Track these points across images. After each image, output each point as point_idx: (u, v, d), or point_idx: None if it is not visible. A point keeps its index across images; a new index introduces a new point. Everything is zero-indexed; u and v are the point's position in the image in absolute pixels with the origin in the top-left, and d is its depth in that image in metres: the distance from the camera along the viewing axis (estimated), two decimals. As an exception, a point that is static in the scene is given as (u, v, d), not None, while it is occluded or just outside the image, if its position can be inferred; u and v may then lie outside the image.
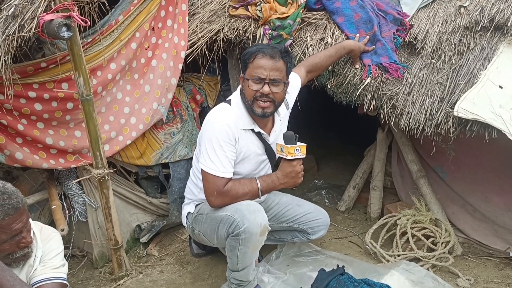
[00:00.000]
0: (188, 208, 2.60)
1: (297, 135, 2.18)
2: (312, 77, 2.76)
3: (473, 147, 2.80)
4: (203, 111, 3.60)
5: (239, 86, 2.36)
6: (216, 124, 2.21)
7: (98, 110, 2.76)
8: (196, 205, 2.54)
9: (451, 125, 2.46)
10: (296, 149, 2.15)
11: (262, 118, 2.24)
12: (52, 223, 2.69)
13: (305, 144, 2.19)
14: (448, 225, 2.88)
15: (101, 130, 2.66)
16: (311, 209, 2.64)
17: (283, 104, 2.39)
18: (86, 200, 2.90)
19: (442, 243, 2.74)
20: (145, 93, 3.03)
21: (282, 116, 2.44)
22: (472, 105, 2.37)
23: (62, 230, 2.55)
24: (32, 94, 2.51)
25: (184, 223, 2.66)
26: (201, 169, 2.26)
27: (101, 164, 2.60)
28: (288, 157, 2.16)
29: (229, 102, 2.35)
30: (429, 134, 2.55)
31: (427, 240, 2.76)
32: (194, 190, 2.58)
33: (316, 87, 2.97)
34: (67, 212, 2.87)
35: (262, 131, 2.30)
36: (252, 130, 2.27)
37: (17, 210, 1.68)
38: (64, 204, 2.87)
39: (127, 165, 3.13)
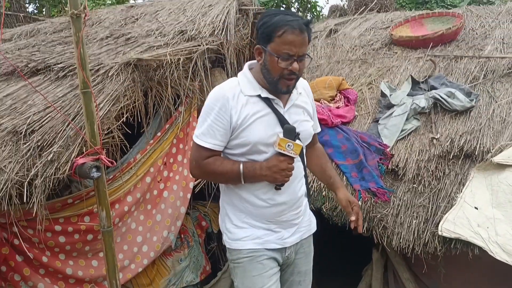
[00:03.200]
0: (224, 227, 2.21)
1: (299, 133, 1.98)
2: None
3: (461, 264, 3.02)
4: (208, 237, 3.84)
5: (251, 63, 2.12)
6: (212, 93, 2.02)
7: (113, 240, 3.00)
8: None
9: (438, 244, 2.72)
10: (288, 145, 1.91)
11: (286, 94, 2.04)
12: None
13: (301, 144, 1.98)
14: None
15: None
16: None
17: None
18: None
19: None
20: (156, 222, 3.30)
21: (300, 91, 2.16)
22: (454, 225, 2.66)
23: None
24: (58, 227, 2.77)
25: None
26: None
27: (116, 292, 2.76)
28: (276, 149, 1.93)
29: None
30: (419, 253, 2.79)
31: None
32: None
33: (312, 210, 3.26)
34: None
35: (271, 96, 2.01)
36: (259, 96, 2.00)
37: None
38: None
39: (137, 292, 3.27)
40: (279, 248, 2.11)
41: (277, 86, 1.98)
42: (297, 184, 2.11)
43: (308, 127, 2.14)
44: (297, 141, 1.95)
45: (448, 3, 10.83)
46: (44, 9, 10.34)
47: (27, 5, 9.66)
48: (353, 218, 2.23)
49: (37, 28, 4.51)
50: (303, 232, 2.21)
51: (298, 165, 2.08)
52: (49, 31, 4.37)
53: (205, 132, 1.97)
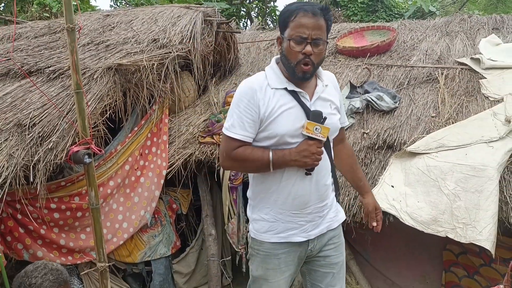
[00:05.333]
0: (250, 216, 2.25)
1: (326, 117, 1.99)
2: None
3: (384, 233, 3.75)
4: (178, 218, 4.44)
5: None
6: (240, 86, 2.06)
7: (99, 217, 3.56)
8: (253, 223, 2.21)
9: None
10: (316, 128, 1.94)
11: (303, 81, 2.03)
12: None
13: (329, 127, 1.97)
14: (374, 295, 3.73)
15: (101, 233, 3.43)
16: None
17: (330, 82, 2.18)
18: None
19: (370, 309, 3.56)
20: (134, 203, 3.88)
21: (327, 83, 2.15)
22: (380, 201, 3.38)
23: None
24: (53, 205, 3.31)
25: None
26: None
27: (103, 259, 3.32)
28: (304, 132, 1.96)
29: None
30: (349, 223, 3.51)
31: (359, 307, 3.58)
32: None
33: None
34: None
35: (297, 89, 2.03)
36: (285, 88, 2.03)
37: (66, 283, 2.37)
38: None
39: (118, 262, 3.83)
40: (303, 241, 2.12)
41: (294, 72, 1.99)
42: (322, 177, 2.10)
43: (334, 120, 2.12)
44: (325, 125, 1.97)
45: (395, 12, 11.80)
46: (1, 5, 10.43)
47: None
48: (374, 224, 2.38)
49: (18, 32, 4.95)
50: (330, 223, 2.19)
51: (324, 157, 2.06)
52: (30, 35, 4.81)
53: (235, 124, 2.01)
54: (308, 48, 1.94)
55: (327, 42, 2.05)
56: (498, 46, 4.73)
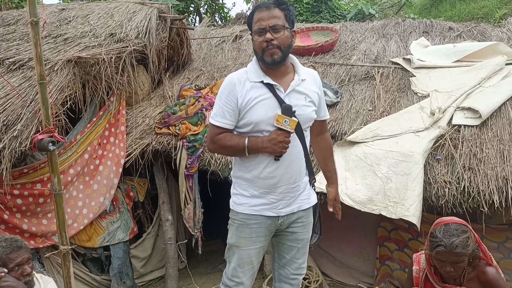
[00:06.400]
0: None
1: (295, 111, 2.25)
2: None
3: (328, 214, 4.17)
4: (135, 205, 4.64)
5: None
6: (224, 80, 2.35)
7: (60, 203, 3.71)
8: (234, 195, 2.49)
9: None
10: (285, 120, 2.20)
11: (274, 65, 2.26)
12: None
13: (296, 120, 2.24)
14: (318, 269, 4.13)
15: (63, 218, 3.59)
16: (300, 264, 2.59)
17: (309, 76, 2.41)
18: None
19: (314, 282, 3.96)
20: (94, 190, 4.05)
21: (304, 78, 2.37)
22: (319, 183, 3.77)
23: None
24: (16, 192, 3.43)
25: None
26: None
27: (65, 242, 3.48)
28: (275, 124, 2.22)
29: None
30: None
31: (304, 280, 3.96)
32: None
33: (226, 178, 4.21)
34: None
35: (273, 82, 2.28)
36: (262, 82, 2.29)
37: (20, 248, 2.54)
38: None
39: (78, 247, 3.99)
40: (273, 216, 2.39)
41: (264, 59, 2.24)
42: (293, 161, 2.35)
43: (307, 112, 2.36)
44: (293, 118, 2.23)
45: (339, 14, 12.42)
46: None
47: None
48: (330, 209, 2.76)
49: (-31, 23, 4.92)
50: (301, 204, 2.46)
51: (295, 144, 2.33)
52: (-18, 26, 4.80)
53: (217, 113, 2.32)
54: (268, 35, 2.21)
55: (291, 29, 2.29)
56: (427, 48, 5.30)
